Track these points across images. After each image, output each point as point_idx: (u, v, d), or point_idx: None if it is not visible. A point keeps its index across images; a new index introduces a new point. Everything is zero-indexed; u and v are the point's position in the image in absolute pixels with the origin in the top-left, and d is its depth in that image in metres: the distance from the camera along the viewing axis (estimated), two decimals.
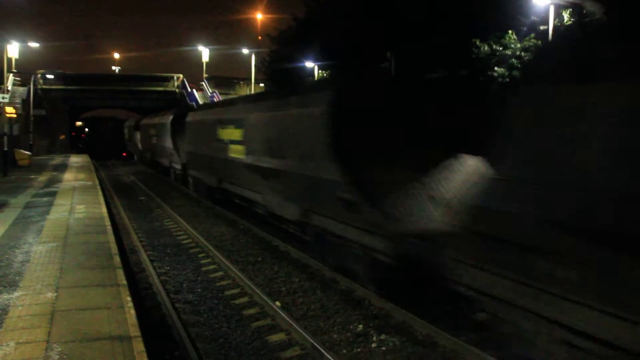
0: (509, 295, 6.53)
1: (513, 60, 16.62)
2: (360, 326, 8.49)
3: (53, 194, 18.54)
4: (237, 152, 15.40)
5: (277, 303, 9.37)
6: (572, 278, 5.57)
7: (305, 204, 11.69)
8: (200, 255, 13.16)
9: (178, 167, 27.48)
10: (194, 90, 53.56)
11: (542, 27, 15.62)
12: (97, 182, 23.76)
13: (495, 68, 16.96)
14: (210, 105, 22.08)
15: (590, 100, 5.48)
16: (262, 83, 45.80)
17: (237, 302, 9.73)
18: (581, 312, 5.58)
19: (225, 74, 61.68)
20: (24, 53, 44.77)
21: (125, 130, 51.47)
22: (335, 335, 8.16)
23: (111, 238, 11.46)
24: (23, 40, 41.71)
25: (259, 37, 51.15)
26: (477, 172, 8.21)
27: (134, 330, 6.25)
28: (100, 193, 19.44)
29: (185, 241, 14.85)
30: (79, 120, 69.49)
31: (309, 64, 29.58)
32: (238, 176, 16.09)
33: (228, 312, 9.21)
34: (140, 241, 14.56)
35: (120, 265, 9.25)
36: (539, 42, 16.11)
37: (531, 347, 6.43)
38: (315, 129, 10.20)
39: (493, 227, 6.62)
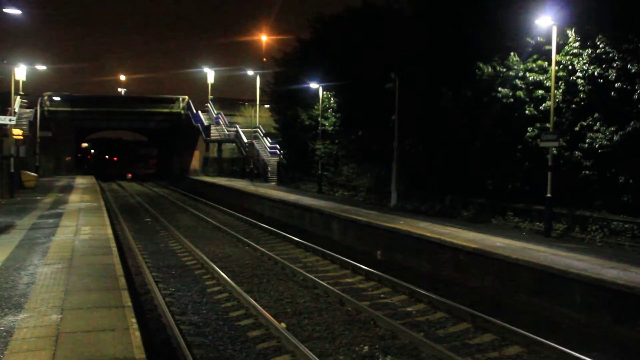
0: None
1: (517, 81, 16.70)
2: (366, 347, 8.42)
3: (59, 216, 18.58)
4: None
5: (283, 324, 9.31)
6: None
7: None
8: (206, 277, 13.11)
9: None
10: (199, 112, 53.84)
11: (546, 47, 15.67)
12: (102, 203, 23.82)
13: (499, 89, 17.04)
14: None
15: None
16: (267, 104, 46.03)
17: (242, 323, 9.67)
18: None
19: (230, 96, 61.89)
20: (31, 75, 45.28)
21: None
22: (341, 357, 8.09)
23: (116, 259, 11.45)
24: (30, 63, 42.15)
25: (264, 59, 51.62)
26: None
27: (139, 352, 6.20)
28: (105, 214, 19.48)
29: (190, 262, 14.82)
30: (85, 142, 69.88)
31: (313, 85, 29.74)
32: None
33: (233, 334, 9.14)
34: (146, 262, 14.54)
35: (126, 286, 9.22)
36: (545, 63, 16.16)
37: None
38: None
39: None
